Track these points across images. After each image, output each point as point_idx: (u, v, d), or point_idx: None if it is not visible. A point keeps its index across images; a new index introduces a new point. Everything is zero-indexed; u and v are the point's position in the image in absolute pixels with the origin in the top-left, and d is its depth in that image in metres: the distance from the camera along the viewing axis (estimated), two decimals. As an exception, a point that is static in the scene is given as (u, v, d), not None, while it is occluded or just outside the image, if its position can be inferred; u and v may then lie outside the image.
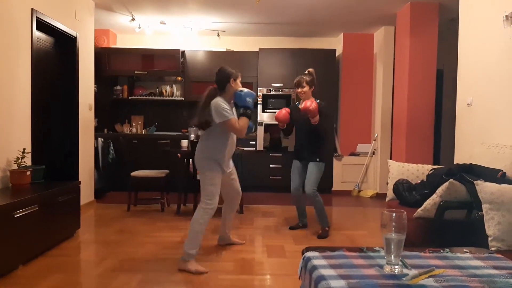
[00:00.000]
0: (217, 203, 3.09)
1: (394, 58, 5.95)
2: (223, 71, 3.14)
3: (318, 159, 3.93)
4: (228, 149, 3.17)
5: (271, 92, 6.54)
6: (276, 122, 4.03)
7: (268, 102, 6.55)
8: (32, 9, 3.82)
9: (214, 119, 3.00)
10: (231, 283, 2.79)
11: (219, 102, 3.02)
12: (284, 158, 6.45)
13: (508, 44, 3.29)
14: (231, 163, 3.38)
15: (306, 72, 4.02)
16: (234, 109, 3.20)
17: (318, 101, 3.90)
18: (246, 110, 3.08)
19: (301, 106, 3.80)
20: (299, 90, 3.94)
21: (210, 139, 3.12)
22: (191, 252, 3.00)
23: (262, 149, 6.51)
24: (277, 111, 4.01)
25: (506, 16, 3.24)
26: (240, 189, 3.53)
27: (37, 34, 4.06)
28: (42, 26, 4.11)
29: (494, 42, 3.50)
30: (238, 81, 3.16)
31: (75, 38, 4.73)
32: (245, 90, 3.11)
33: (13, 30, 3.57)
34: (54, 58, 4.61)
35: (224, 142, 3.13)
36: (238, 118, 3.13)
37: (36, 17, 3.90)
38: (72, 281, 2.82)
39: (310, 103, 3.70)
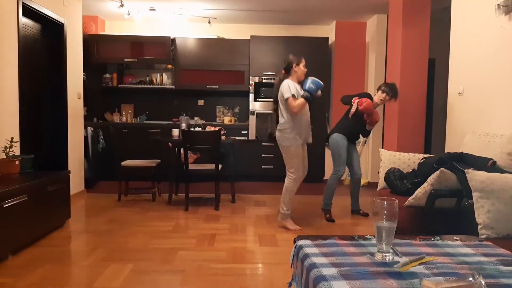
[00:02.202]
0: (300, 173, 3.82)
1: (386, 47, 5.93)
2: (287, 59, 3.85)
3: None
4: (303, 124, 3.80)
5: (263, 81, 6.50)
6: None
7: (260, 91, 6.51)
8: (17, -6, 3.72)
9: (283, 96, 3.69)
10: (223, 271, 2.80)
11: (286, 82, 3.73)
12: (275, 148, 6.43)
13: (500, 33, 3.29)
14: (310, 136, 3.95)
15: (391, 83, 4.28)
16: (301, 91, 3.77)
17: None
18: (307, 94, 3.62)
19: (360, 106, 4.04)
20: (384, 96, 4.15)
21: (288, 116, 3.75)
22: (287, 212, 3.85)
23: (254, 138, 6.48)
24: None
25: (498, 5, 3.23)
26: (307, 165, 4.02)
27: (24, 20, 3.96)
28: (29, 12, 4.01)
29: (486, 31, 3.49)
30: (302, 65, 3.80)
31: (63, 24, 4.64)
32: (312, 78, 3.66)
33: (-2, 16, 3.48)
34: (42, 45, 4.52)
35: (299, 118, 3.75)
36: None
37: (23, 2, 3.79)
38: (62, 271, 2.80)
39: (367, 102, 4.00)
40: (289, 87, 3.67)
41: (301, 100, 3.64)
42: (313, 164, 6.45)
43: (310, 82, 3.64)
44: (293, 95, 3.65)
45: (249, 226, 3.96)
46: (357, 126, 4.27)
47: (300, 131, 3.77)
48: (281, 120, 3.80)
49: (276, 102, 3.86)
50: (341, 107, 6.64)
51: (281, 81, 3.80)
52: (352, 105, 4.17)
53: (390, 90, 4.15)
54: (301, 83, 3.76)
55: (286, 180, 3.85)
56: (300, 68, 3.80)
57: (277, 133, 3.85)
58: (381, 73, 6.18)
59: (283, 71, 3.85)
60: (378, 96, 4.21)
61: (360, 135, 4.49)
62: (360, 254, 1.51)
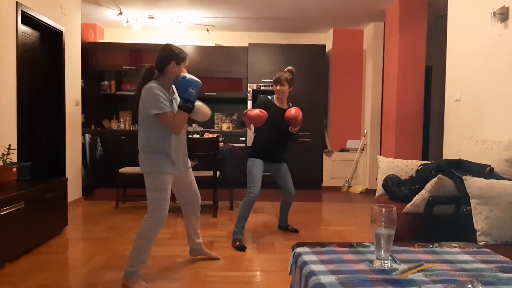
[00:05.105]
0: (161, 213, 2.64)
1: (383, 54, 5.98)
2: (166, 49, 2.67)
3: (285, 159, 3.86)
4: (177, 142, 2.69)
5: (261, 88, 6.53)
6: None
7: (257, 98, 6.48)
8: (17, 2, 3.73)
9: (148, 108, 2.51)
10: (222, 279, 2.78)
11: (154, 89, 2.52)
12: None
13: (496, 41, 3.32)
14: (188, 162, 2.92)
15: (286, 69, 3.72)
16: (176, 95, 2.71)
17: (290, 104, 3.78)
18: (187, 103, 2.56)
19: (288, 114, 3.54)
20: (278, 87, 3.66)
21: (152, 128, 2.59)
22: (131, 269, 2.59)
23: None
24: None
25: (494, 12, 3.27)
26: (198, 192, 3.00)
27: (23, 28, 3.97)
28: (28, 20, 4.02)
29: (482, 38, 3.53)
30: (183, 66, 2.67)
31: (62, 32, 4.65)
32: (188, 77, 2.61)
33: (-3, 24, 3.49)
34: (40, 53, 4.52)
35: (171, 136, 2.62)
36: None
37: (21, 10, 3.81)
38: (60, 279, 2.78)
39: (296, 112, 3.52)
40: (156, 97, 2.50)
41: (183, 114, 2.56)
42: (311, 171, 6.51)
43: (188, 85, 2.57)
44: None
45: (247, 233, 3.94)
46: (272, 135, 3.69)
47: (170, 154, 2.64)
48: (141, 136, 2.66)
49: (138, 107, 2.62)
50: (339, 114, 6.71)
51: (145, 78, 2.66)
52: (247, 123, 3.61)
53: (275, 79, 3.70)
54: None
55: (143, 220, 2.68)
56: (180, 69, 2.65)
57: (139, 155, 2.70)
58: (378, 81, 6.21)
59: (153, 64, 2.70)
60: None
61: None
62: (359, 261, 1.51)
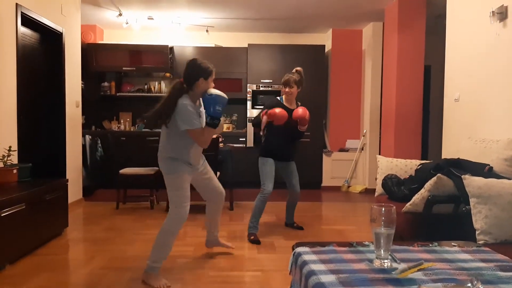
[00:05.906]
0: (183, 210, 2.75)
1: (382, 54, 5.98)
2: (194, 65, 2.75)
3: (294, 158, 3.98)
4: (194, 146, 2.80)
5: (261, 88, 6.53)
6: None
7: (257, 99, 6.55)
8: (16, 4, 3.74)
9: (179, 124, 2.64)
10: (222, 279, 2.79)
11: (188, 107, 2.64)
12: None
13: (494, 40, 3.33)
14: (203, 161, 3.03)
15: (294, 70, 3.80)
16: (202, 108, 2.83)
17: (299, 103, 3.86)
18: (214, 120, 2.69)
19: (295, 114, 3.61)
20: (287, 89, 3.73)
21: (173, 135, 2.74)
22: (154, 265, 2.70)
23: (252, 145, 6.49)
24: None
25: (493, 12, 3.28)
26: (220, 187, 3.14)
27: (22, 29, 3.98)
28: (27, 21, 4.03)
29: (481, 38, 3.53)
30: (211, 80, 2.77)
31: (61, 33, 4.66)
32: (215, 94, 2.70)
33: (-4, 26, 3.50)
34: (40, 54, 4.53)
35: (189, 139, 2.74)
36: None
37: (21, 12, 3.82)
38: (61, 280, 2.78)
39: (303, 112, 3.61)
40: (189, 114, 2.64)
41: (210, 130, 2.71)
42: (310, 171, 6.51)
43: (216, 103, 2.69)
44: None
45: (247, 233, 3.95)
46: (281, 134, 3.77)
47: (185, 160, 2.77)
48: (162, 143, 2.82)
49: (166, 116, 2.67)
50: (339, 114, 6.72)
51: (176, 94, 2.69)
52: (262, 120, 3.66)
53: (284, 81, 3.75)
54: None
55: (167, 216, 2.79)
56: (208, 84, 2.75)
57: (158, 157, 2.85)
58: (377, 80, 6.22)
59: (181, 79, 2.77)
60: (282, 93, 3.81)
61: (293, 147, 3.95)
62: (359, 260, 1.51)
